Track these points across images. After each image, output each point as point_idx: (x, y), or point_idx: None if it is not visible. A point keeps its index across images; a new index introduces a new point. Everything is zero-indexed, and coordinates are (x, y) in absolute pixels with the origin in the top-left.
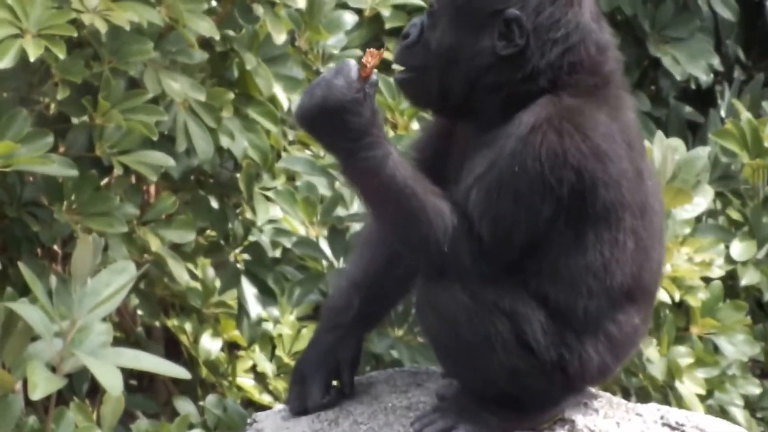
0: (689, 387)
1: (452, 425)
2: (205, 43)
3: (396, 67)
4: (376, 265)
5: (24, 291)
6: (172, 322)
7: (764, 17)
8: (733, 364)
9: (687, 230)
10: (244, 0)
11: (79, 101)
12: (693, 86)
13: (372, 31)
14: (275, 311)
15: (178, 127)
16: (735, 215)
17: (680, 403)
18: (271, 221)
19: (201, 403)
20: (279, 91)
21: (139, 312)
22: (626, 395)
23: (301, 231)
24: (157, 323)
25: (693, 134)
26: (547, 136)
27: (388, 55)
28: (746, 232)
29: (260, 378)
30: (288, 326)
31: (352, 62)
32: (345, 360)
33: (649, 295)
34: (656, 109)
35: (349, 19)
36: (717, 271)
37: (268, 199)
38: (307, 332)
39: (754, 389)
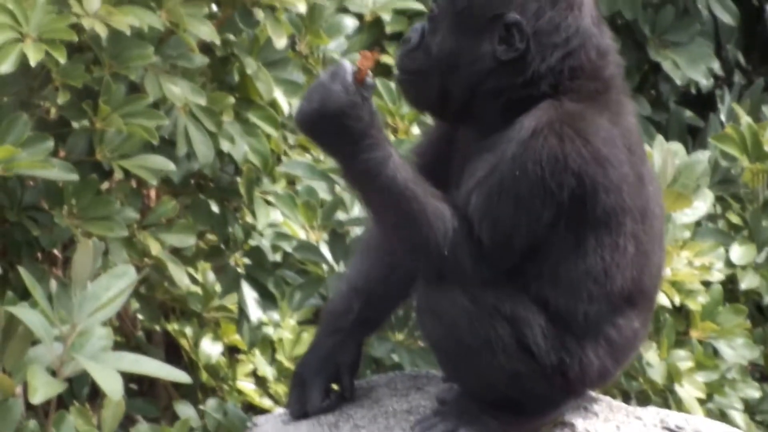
0: (689, 391)
1: (452, 429)
2: (206, 48)
3: (397, 71)
4: (377, 270)
5: (24, 295)
6: (173, 326)
7: (764, 22)
8: (732, 367)
9: (687, 234)
10: (245, 4)
11: (79, 105)
12: (693, 90)
13: (372, 35)
14: (276, 315)
15: (178, 132)
16: (735, 219)
17: (680, 406)
18: (271, 225)
19: (201, 407)
20: (279, 95)
21: (140, 316)
22: (626, 399)
23: (302, 235)
24: (158, 327)
25: (693, 138)
26: (548, 141)
27: (389, 60)
28: (746, 236)
29: (260, 382)
30: (288, 330)
31: (347, 65)
32: (345, 364)
33: (649, 299)
34: (656, 113)
35: (350, 23)
36: (717, 275)
37: (268, 203)
38: (308, 336)
39: (754, 393)
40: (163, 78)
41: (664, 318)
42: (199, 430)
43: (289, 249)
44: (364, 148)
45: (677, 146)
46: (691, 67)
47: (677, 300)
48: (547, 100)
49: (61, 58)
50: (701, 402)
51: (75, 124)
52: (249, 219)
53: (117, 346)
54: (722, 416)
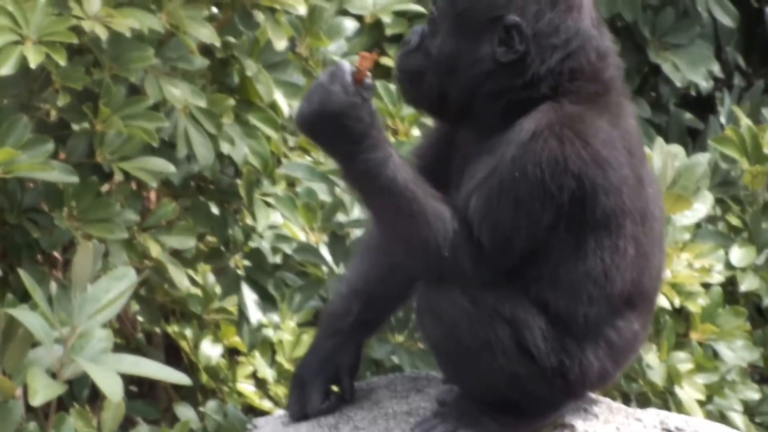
0: (689, 392)
1: (452, 430)
2: (206, 50)
3: (396, 73)
4: (377, 271)
5: (24, 297)
6: (173, 328)
7: (764, 24)
8: (732, 369)
9: (687, 236)
10: (245, 6)
11: (79, 108)
12: (693, 93)
13: (372, 37)
14: (275, 317)
15: (178, 134)
16: (734, 221)
17: (680, 408)
18: (271, 227)
19: (201, 408)
20: (279, 97)
21: (140, 318)
22: (626, 401)
23: (302, 237)
24: (158, 329)
25: (693, 141)
26: (547, 143)
27: (389, 62)
28: (746, 238)
29: (260, 384)
30: (288, 332)
31: (346, 65)
32: (344, 365)
33: (648, 301)
34: (656, 115)
35: (350, 25)
36: (716, 277)
37: (268, 205)
38: (308, 338)
39: (754, 395)
40: (163, 80)
41: (664, 320)
42: None
43: (289, 251)
44: (364, 148)
45: (677, 148)
46: (691, 70)
47: (677, 302)
48: (547, 102)
49: (61, 61)
50: (701, 404)
51: (75, 127)
52: (249, 221)
53: (117, 348)
54: (722, 418)
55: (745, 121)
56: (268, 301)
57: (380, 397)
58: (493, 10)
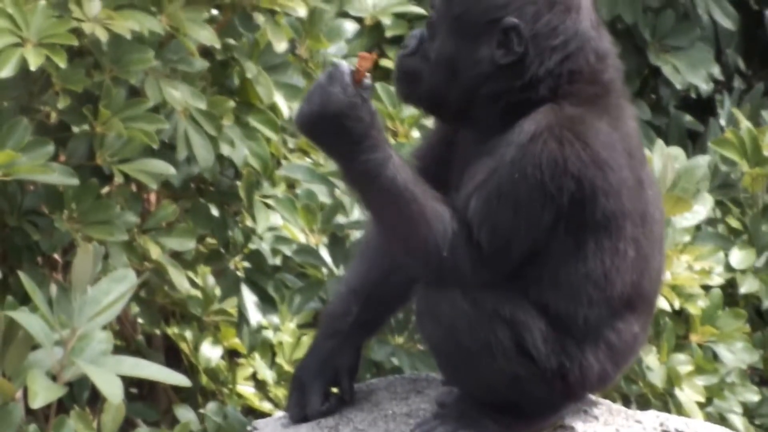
0: (689, 394)
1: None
2: (206, 52)
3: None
4: (376, 272)
5: (24, 300)
6: (173, 330)
7: (764, 27)
8: (732, 371)
9: (687, 238)
10: (245, 8)
11: (79, 110)
12: (693, 95)
13: (372, 39)
14: (275, 319)
15: (178, 136)
16: (734, 223)
17: (680, 410)
18: (271, 229)
19: (201, 410)
20: (279, 99)
21: (140, 320)
22: (626, 402)
23: (302, 239)
24: (158, 331)
25: (693, 143)
26: (547, 145)
27: (388, 64)
28: (745, 241)
29: (260, 385)
30: (288, 334)
31: (345, 66)
32: (344, 367)
33: (648, 303)
34: (656, 117)
35: (350, 27)
36: (716, 279)
37: (268, 206)
38: (308, 340)
39: (753, 397)
40: (163, 82)
41: (663, 322)
42: None
43: (288, 252)
44: (364, 149)
45: (677, 151)
46: (691, 72)
47: (677, 304)
48: (546, 104)
49: (62, 63)
50: (701, 406)
51: (75, 129)
52: (249, 223)
53: (117, 350)
54: (722, 420)
55: (745, 124)
56: (267, 303)
57: (380, 398)
58: (491, 13)
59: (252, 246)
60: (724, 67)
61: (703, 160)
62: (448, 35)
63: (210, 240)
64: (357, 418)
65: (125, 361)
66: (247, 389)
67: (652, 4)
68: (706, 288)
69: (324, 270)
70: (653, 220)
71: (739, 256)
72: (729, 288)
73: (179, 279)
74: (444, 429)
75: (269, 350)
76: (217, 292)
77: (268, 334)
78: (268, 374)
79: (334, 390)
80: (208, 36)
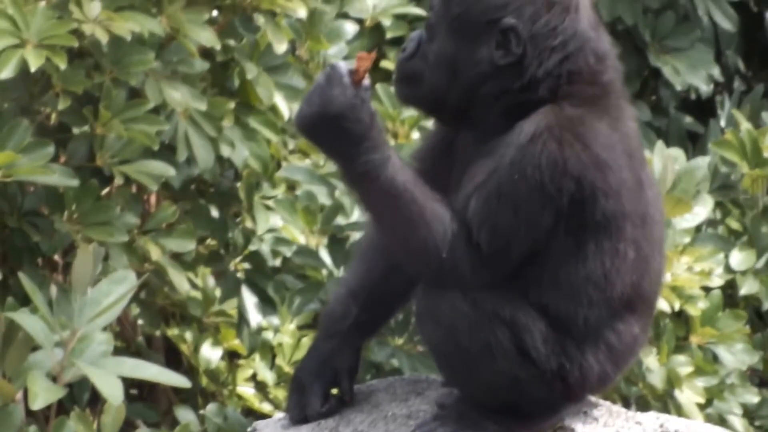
0: (688, 396)
1: None
2: (206, 53)
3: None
4: (375, 273)
5: (24, 301)
6: (173, 332)
7: (764, 28)
8: (732, 373)
9: (687, 240)
10: (245, 10)
11: (80, 111)
12: (693, 96)
13: (373, 40)
14: (275, 320)
15: (178, 137)
16: (734, 225)
17: (679, 411)
18: (271, 230)
19: (201, 411)
20: (280, 100)
21: (140, 321)
22: (626, 404)
23: (301, 240)
24: (158, 332)
25: (693, 144)
26: (547, 145)
27: (388, 65)
28: (745, 242)
29: (260, 387)
30: (288, 335)
31: (343, 66)
32: (343, 368)
33: (648, 304)
34: (656, 119)
35: (350, 28)
36: (716, 281)
37: (268, 208)
38: (307, 341)
39: (753, 398)
40: (163, 83)
41: (663, 323)
42: None
43: (288, 254)
44: (364, 150)
45: (677, 152)
46: (691, 73)
47: (677, 305)
48: (546, 104)
49: (62, 64)
50: (701, 407)
51: (75, 130)
52: (249, 224)
53: (117, 352)
54: (721, 421)
55: (745, 125)
56: (267, 304)
57: (380, 400)
58: (490, 13)
59: (252, 247)
60: (724, 69)
61: (703, 162)
62: (447, 36)
63: (210, 241)
64: (357, 419)
65: (125, 363)
66: (247, 390)
67: (652, 6)
68: (706, 289)
69: (324, 271)
70: (653, 221)
71: (739, 258)
72: (729, 289)
73: (179, 280)
74: (444, 430)
75: (269, 351)
76: (217, 293)
77: (268, 335)
78: (268, 375)
79: (334, 391)
80: (208, 37)
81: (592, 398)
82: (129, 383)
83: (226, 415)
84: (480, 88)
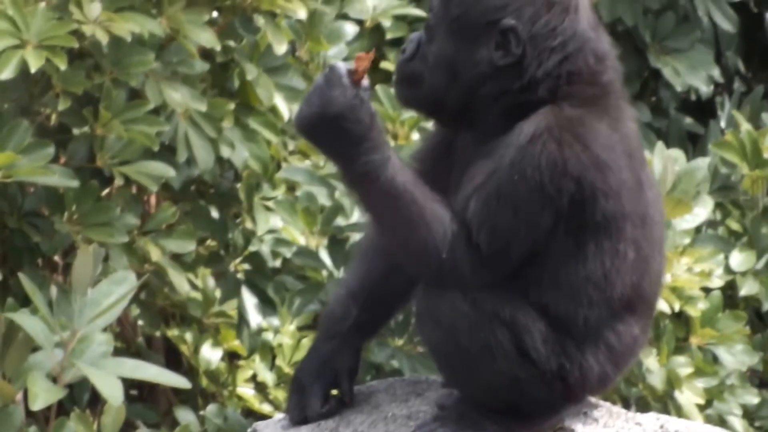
0: (688, 397)
1: None
2: (206, 54)
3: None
4: (375, 274)
5: (25, 301)
6: (173, 332)
7: (764, 29)
8: (732, 374)
9: (687, 240)
10: (245, 11)
11: (80, 112)
12: (693, 97)
13: (373, 41)
14: (275, 321)
15: (178, 138)
16: (734, 226)
17: (679, 412)
18: (271, 231)
19: (201, 412)
20: (280, 101)
21: (140, 322)
22: (626, 405)
23: (301, 241)
24: (158, 333)
25: (693, 145)
26: (546, 146)
27: (388, 66)
28: (745, 243)
29: (260, 388)
30: (288, 336)
31: (342, 67)
32: (343, 369)
33: (649, 305)
34: (657, 120)
35: (350, 29)
36: (716, 282)
37: (268, 209)
38: (307, 342)
39: (753, 399)
40: (163, 84)
41: (663, 324)
42: None
43: (288, 255)
44: (364, 150)
45: (677, 153)
46: (691, 74)
47: (677, 306)
48: (546, 105)
49: (62, 65)
50: (700, 408)
51: (75, 131)
52: (249, 225)
53: (117, 352)
54: (721, 422)
55: (745, 126)
56: (267, 305)
57: (380, 400)
58: (489, 14)
59: (252, 248)
60: (724, 70)
61: (703, 163)
62: (446, 37)
63: (210, 242)
64: (357, 420)
65: (125, 363)
66: (247, 391)
67: (653, 6)
68: (706, 290)
69: (324, 272)
70: (653, 221)
71: (739, 259)
72: (729, 290)
73: (179, 281)
74: (444, 431)
75: (269, 352)
76: (217, 294)
77: (268, 336)
78: (268, 376)
79: (334, 392)
80: (208, 38)
81: (592, 399)
82: (129, 384)
83: (226, 416)
84: (479, 88)
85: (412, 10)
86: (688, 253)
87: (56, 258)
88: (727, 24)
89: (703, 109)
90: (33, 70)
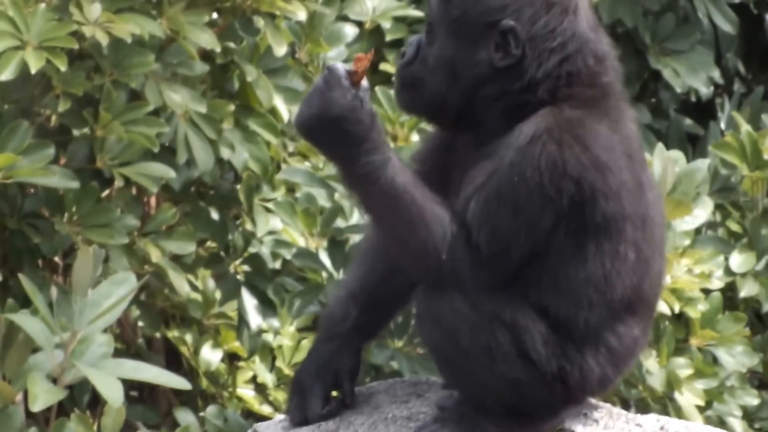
0: (688, 398)
1: None
2: (206, 55)
3: (395, 85)
4: (375, 275)
5: (25, 302)
6: (173, 333)
7: (764, 30)
8: (731, 375)
9: (687, 242)
10: (245, 12)
11: (80, 113)
12: (693, 99)
13: (372, 43)
14: (275, 322)
15: (178, 139)
16: (734, 227)
17: (679, 414)
18: (271, 233)
19: (201, 413)
20: (279, 102)
21: (140, 323)
22: (625, 406)
23: (301, 242)
24: (158, 334)
25: (693, 146)
26: (546, 147)
27: (388, 68)
28: (745, 244)
29: (260, 389)
30: (288, 337)
31: (341, 68)
32: (344, 370)
33: (649, 306)
34: (657, 121)
35: (350, 31)
36: (716, 283)
37: (268, 210)
38: (307, 343)
39: (753, 400)
40: (163, 85)
41: (663, 325)
42: None
43: (288, 256)
44: (364, 151)
45: (677, 154)
46: (691, 75)
47: (677, 307)
48: (546, 106)
49: (62, 66)
50: (700, 409)
51: (75, 132)
52: (249, 226)
53: (117, 353)
54: (721, 423)
55: (745, 127)
56: (267, 306)
57: (380, 402)
58: (489, 15)
59: (252, 249)
60: (724, 71)
61: (703, 164)
62: (446, 39)
63: (210, 243)
64: (357, 421)
65: (125, 364)
66: (247, 392)
67: (653, 8)
68: (706, 291)
69: (324, 274)
70: (654, 222)
71: (739, 260)
72: (729, 291)
73: (179, 282)
74: None
75: (269, 354)
76: (217, 295)
77: (268, 337)
78: (268, 377)
79: (334, 394)
80: (208, 39)
81: (593, 400)
82: (129, 385)
83: (226, 417)
84: (479, 90)
85: (412, 12)
86: (688, 255)
87: (56, 259)
88: (727, 25)
89: (703, 111)
90: (33, 71)
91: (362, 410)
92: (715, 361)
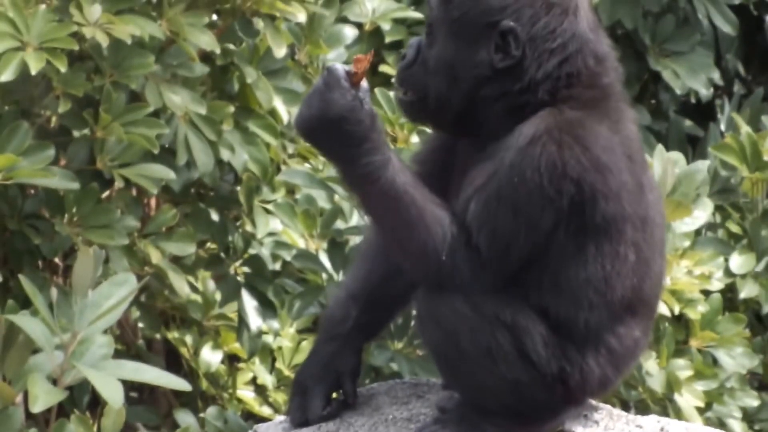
0: (688, 399)
1: None
2: (206, 57)
3: (396, 88)
4: (375, 276)
5: (25, 303)
6: (173, 335)
7: (764, 32)
8: (731, 376)
9: (687, 243)
10: (245, 14)
11: (80, 114)
12: (693, 100)
13: (372, 45)
14: (275, 324)
15: (178, 140)
16: (734, 228)
17: (679, 415)
18: (271, 234)
19: (201, 415)
20: (279, 104)
21: (140, 324)
22: (625, 408)
23: (301, 244)
24: (158, 335)
25: (693, 148)
26: (546, 148)
27: (388, 69)
28: (745, 245)
29: (260, 390)
30: (288, 339)
31: (340, 68)
32: (345, 370)
33: (649, 307)
34: (656, 122)
35: (349, 33)
36: (716, 284)
37: (268, 212)
38: (307, 345)
39: (753, 401)
40: (163, 87)
41: (663, 327)
42: None
43: (288, 258)
44: (364, 152)
45: (677, 155)
46: (691, 77)
47: (677, 309)
48: (547, 108)
49: (62, 67)
50: (700, 411)
51: (76, 133)
52: (249, 228)
53: (117, 355)
54: (721, 425)
55: (745, 129)
56: (267, 308)
57: (381, 403)
58: (489, 16)
59: (252, 251)
60: (724, 72)
61: (702, 165)
62: (446, 40)
63: (210, 245)
64: (357, 423)
65: (126, 365)
66: (247, 394)
67: (653, 9)
68: (706, 293)
69: (323, 275)
70: (654, 224)
71: (738, 261)
72: (729, 293)
73: (179, 283)
74: None
75: (269, 355)
76: (217, 296)
77: (268, 338)
78: (267, 379)
79: (335, 395)
80: (208, 41)
81: (593, 402)
82: (129, 386)
83: (226, 419)
84: (480, 90)
85: (411, 14)
86: (688, 256)
87: (57, 260)
88: (727, 27)
89: (703, 112)
90: (33, 72)
91: (363, 411)
92: (715, 362)
